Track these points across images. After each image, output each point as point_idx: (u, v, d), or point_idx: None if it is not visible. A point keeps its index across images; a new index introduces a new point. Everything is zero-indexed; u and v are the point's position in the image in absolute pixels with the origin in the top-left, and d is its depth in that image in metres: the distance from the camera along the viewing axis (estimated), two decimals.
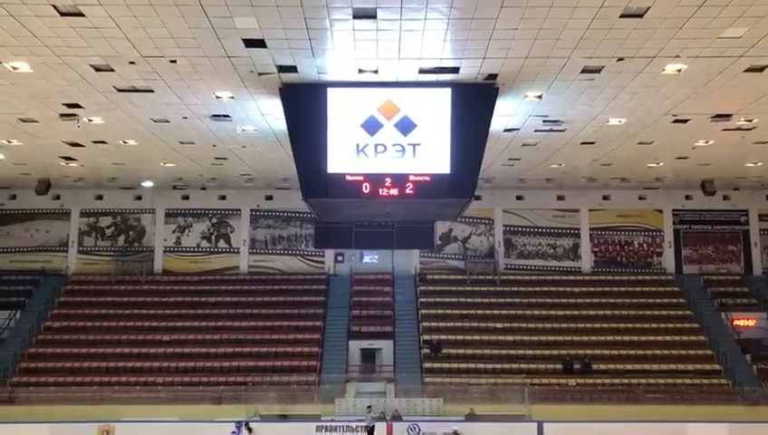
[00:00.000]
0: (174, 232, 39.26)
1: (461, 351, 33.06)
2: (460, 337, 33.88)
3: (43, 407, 28.83)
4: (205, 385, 31.10)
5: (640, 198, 38.11)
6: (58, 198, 37.82)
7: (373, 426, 26.15)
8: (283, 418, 28.29)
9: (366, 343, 34.52)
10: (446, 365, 32.33)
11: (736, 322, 34.33)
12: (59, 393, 30.03)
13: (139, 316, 35.21)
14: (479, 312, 35.20)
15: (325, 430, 27.49)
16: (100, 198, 38.96)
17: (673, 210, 38.41)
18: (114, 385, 30.77)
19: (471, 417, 28.51)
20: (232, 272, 38.97)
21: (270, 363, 32.24)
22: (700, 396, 29.41)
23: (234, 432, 22.30)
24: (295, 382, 31.44)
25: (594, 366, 31.70)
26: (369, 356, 34.37)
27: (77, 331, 34.49)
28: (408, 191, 16.84)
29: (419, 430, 27.54)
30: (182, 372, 31.92)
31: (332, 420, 28.30)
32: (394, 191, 17.03)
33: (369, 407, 27.30)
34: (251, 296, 36.59)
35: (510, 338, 33.48)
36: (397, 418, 28.55)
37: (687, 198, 37.88)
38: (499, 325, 34.24)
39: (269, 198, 38.90)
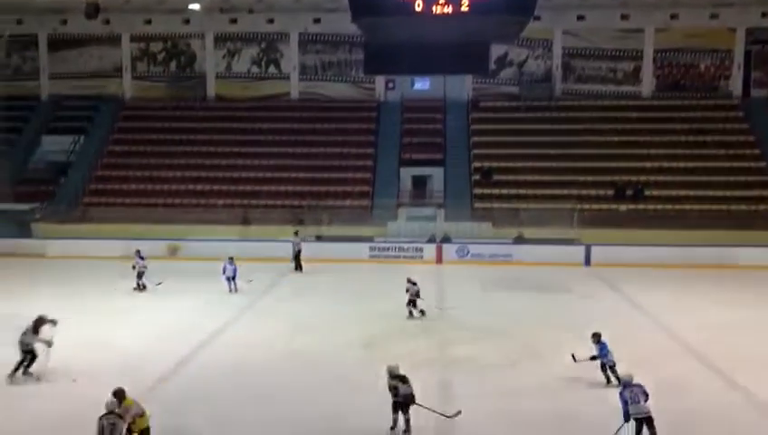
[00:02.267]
0: (224, 57, 39.06)
1: (512, 177, 33.15)
2: (511, 164, 33.81)
3: (114, 226, 30.74)
4: (262, 208, 32.36)
5: (712, 17, 35.60)
6: (108, 22, 37.46)
7: (299, 250, 26.23)
8: (337, 239, 29.54)
9: (417, 170, 34.87)
10: (496, 191, 32.63)
11: None
12: (128, 213, 31.78)
13: (196, 142, 36.08)
14: (532, 138, 34.72)
15: (378, 250, 28.77)
16: (149, 22, 38.61)
17: (747, 29, 35.90)
18: (177, 207, 32.27)
19: (519, 240, 29.24)
20: (283, 98, 39.01)
21: (323, 189, 33.11)
22: (754, 222, 29.13)
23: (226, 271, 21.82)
24: (348, 207, 32.42)
25: (647, 193, 31.51)
26: (419, 183, 34.86)
27: (138, 155, 35.75)
28: (463, 8, 15.92)
29: (468, 251, 28.50)
30: (240, 195, 33.14)
31: (385, 242, 29.50)
32: (448, 9, 16.13)
33: (295, 232, 27.28)
34: (302, 123, 36.83)
35: (563, 164, 33.23)
36: (446, 240, 29.50)
37: (764, 15, 35.18)
38: (552, 152, 33.85)
39: (317, 20, 37.81)
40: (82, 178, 35.07)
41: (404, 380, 11.13)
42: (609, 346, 13.40)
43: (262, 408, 12.26)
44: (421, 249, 28.70)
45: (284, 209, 31.94)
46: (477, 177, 33.66)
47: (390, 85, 38.98)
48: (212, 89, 39.23)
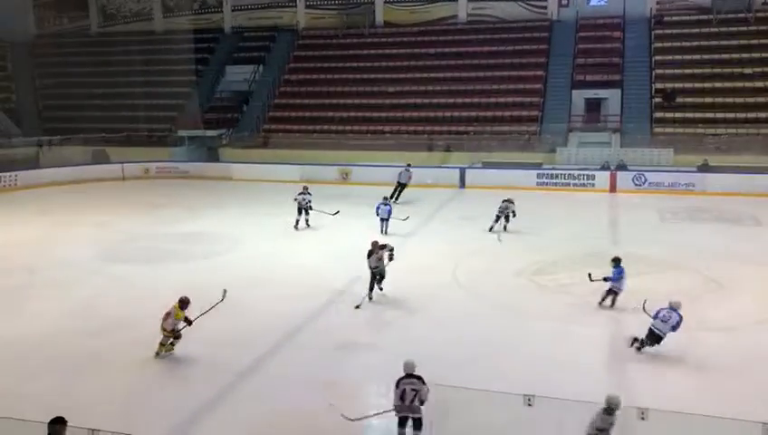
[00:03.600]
0: None
1: (698, 99, 30.47)
2: (698, 84, 31.04)
3: (291, 151, 32.62)
4: (429, 134, 32.61)
5: None
6: None
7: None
8: (504, 166, 29.13)
9: (591, 93, 33.13)
10: (679, 115, 30.26)
11: None
12: (304, 139, 33.50)
13: (365, 69, 36.81)
14: (724, 56, 31.48)
15: (546, 178, 28.02)
16: None
17: None
18: (348, 133, 33.43)
19: (704, 168, 27.07)
20: (450, 22, 38.38)
21: (491, 114, 32.58)
22: None
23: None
24: (517, 132, 31.72)
25: None
26: (593, 106, 33.14)
27: (312, 83, 37.27)
28: None
29: (645, 179, 26.93)
30: (407, 121, 33.59)
31: (554, 169, 28.63)
32: None
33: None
34: (470, 47, 36.13)
35: (759, 84, 29.92)
36: (621, 167, 28.05)
37: None
38: (747, 70, 30.54)
39: None
40: (262, 106, 37.31)
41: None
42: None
43: (430, 329, 12.71)
44: (593, 177, 27.54)
45: (451, 135, 31.96)
46: (658, 99, 31.30)
47: (564, 2, 36.89)
48: (380, 15, 39.49)
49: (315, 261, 17.30)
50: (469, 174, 28.69)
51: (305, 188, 21.17)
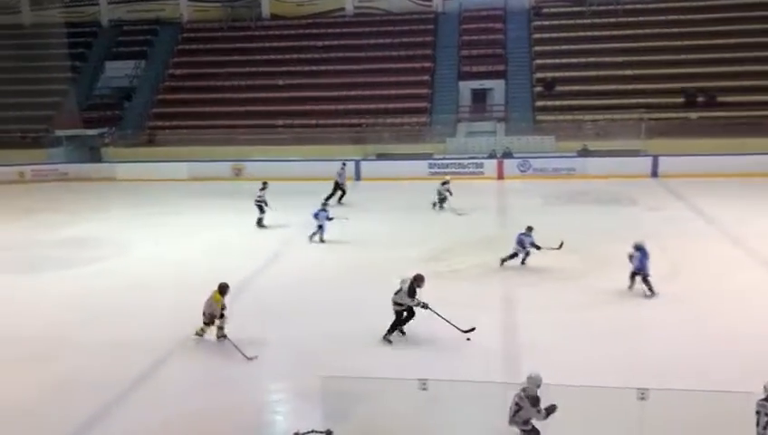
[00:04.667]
0: None
1: (576, 88, 32.06)
2: (575, 73, 32.63)
3: (179, 148, 31.53)
4: (321, 127, 32.49)
5: None
6: None
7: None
8: (396, 157, 29.51)
9: (476, 84, 34.09)
10: (558, 103, 31.71)
11: None
12: (192, 136, 32.45)
13: (254, 62, 36.10)
14: (597, 46, 33.29)
15: (438, 167, 28.61)
16: None
17: None
18: (238, 128, 32.72)
19: (583, 153, 28.57)
20: (338, 14, 38.35)
21: (381, 106, 32.84)
22: None
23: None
24: (407, 123, 32.17)
25: (719, 99, 30.00)
26: (479, 96, 34.15)
27: (198, 78, 36.14)
28: None
29: (530, 165, 28.08)
30: (299, 115, 33.29)
31: (444, 158, 29.30)
32: None
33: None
34: (358, 39, 36.26)
35: (628, 72, 31.87)
36: (507, 155, 29.09)
37: None
38: (618, 59, 32.43)
39: None
40: (146, 102, 35.84)
41: None
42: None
43: (328, 319, 12.70)
44: (482, 165, 28.41)
45: (343, 128, 31.97)
46: (539, 89, 32.70)
47: None
48: (267, 8, 38.89)
49: (206, 261, 16.86)
50: (364, 166, 28.89)
51: (264, 184, 20.56)
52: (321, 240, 18.25)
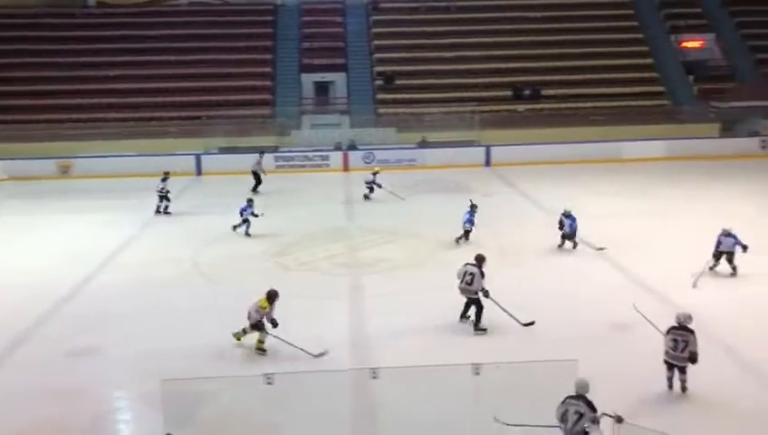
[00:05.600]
0: None
1: (414, 81, 33.12)
2: (413, 67, 33.68)
3: None
4: (157, 120, 30.94)
5: None
6: None
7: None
8: (240, 151, 28.82)
9: (318, 76, 34.17)
10: (399, 96, 32.58)
11: (684, 43, 34.64)
12: (13, 132, 29.51)
13: (80, 52, 33.55)
14: (433, 41, 34.59)
15: (283, 160, 28.43)
16: None
17: None
18: (66, 122, 30.33)
19: (423, 144, 29.65)
20: (172, 3, 36.73)
21: (222, 98, 31.92)
22: (642, 118, 30.66)
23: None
24: (250, 116, 31.50)
25: (543, 92, 32.37)
26: (322, 89, 34.28)
27: (13, 68, 32.93)
28: None
29: (374, 157, 28.66)
30: (133, 108, 31.48)
31: (289, 151, 29.13)
32: None
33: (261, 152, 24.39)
34: (195, 29, 34.97)
35: (462, 67, 33.44)
36: (352, 147, 29.49)
37: None
38: (451, 54, 33.92)
39: None
40: None
41: None
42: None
43: (170, 321, 12.19)
44: (327, 157, 28.60)
45: (181, 121, 30.67)
46: (380, 82, 33.43)
47: None
48: None
49: (40, 264, 15.57)
50: (205, 160, 27.98)
51: (166, 174, 20.35)
52: (247, 234, 17.79)
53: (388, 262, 15.52)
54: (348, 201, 22.68)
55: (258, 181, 23.91)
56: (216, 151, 29.08)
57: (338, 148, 29.45)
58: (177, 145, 28.58)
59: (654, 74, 33.51)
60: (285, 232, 18.25)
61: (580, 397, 7.12)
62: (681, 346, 8.81)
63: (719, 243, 13.69)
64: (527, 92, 32.33)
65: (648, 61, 34.09)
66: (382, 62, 34.24)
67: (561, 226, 15.75)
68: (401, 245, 16.88)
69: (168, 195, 20.47)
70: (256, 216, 17.93)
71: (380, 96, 32.88)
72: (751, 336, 10.85)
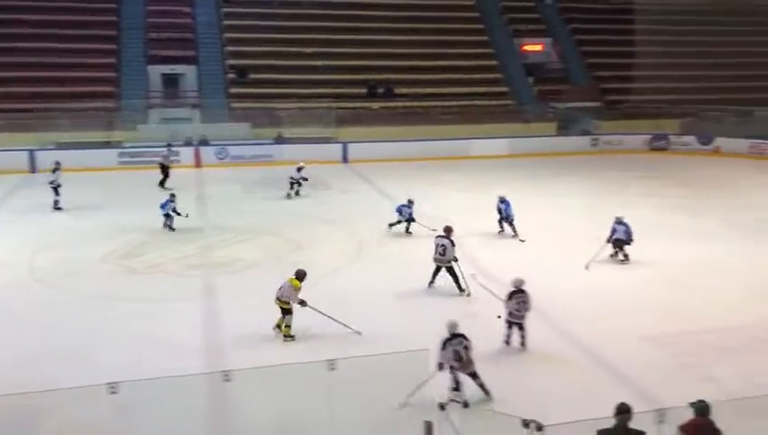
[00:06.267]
0: None
1: (269, 76, 32.61)
2: (268, 62, 33.15)
3: None
4: None
5: None
6: None
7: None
8: (81, 146, 26.95)
9: (167, 68, 32.69)
10: (253, 90, 31.94)
11: (525, 47, 36.88)
12: None
13: None
14: (287, 36, 34.22)
15: (129, 156, 26.95)
16: None
17: None
18: None
19: (279, 140, 29.30)
20: None
21: (61, 89, 29.62)
22: (488, 117, 32.27)
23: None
24: (92, 109, 29.46)
25: (396, 90, 33.12)
26: (171, 82, 32.83)
27: None
28: None
29: (228, 153, 27.95)
30: None
31: (135, 147, 27.63)
32: None
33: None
34: (28, 14, 32.15)
35: (318, 63, 33.42)
36: (204, 142, 28.55)
37: None
38: (307, 50, 33.77)
39: None
40: None
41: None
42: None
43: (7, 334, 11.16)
44: (178, 153, 27.35)
45: (10, 114, 28.10)
46: (233, 75, 32.59)
47: None
48: None
49: None
50: (41, 157, 25.87)
51: (57, 164, 19.65)
52: (171, 228, 17.31)
53: (242, 261, 15.18)
54: (201, 199, 21.91)
55: (166, 175, 23.07)
56: (52, 147, 26.94)
57: (189, 143, 28.36)
58: (8, 140, 26.18)
59: (498, 75, 35.39)
60: (132, 232, 17.29)
61: (456, 335, 8.52)
62: (523, 307, 10.37)
63: (614, 231, 14.63)
64: (381, 90, 32.94)
65: (493, 63, 35.93)
66: (235, 55, 33.41)
67: (500, 213, 16.92)
68: (256, 243, 16.56)
69: (59, 188, 19.43)
70: (178, 214, 17.36)
71: (233, 90, 32.09)
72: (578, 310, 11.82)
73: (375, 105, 32.44)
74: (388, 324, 11.22)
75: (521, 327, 10.48)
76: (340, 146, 29.14)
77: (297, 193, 21.87)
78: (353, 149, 28.88)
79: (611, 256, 14.83)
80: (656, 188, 23.47)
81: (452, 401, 7.97)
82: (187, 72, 32.80)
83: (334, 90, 32.07)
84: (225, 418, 8.01)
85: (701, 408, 6.39)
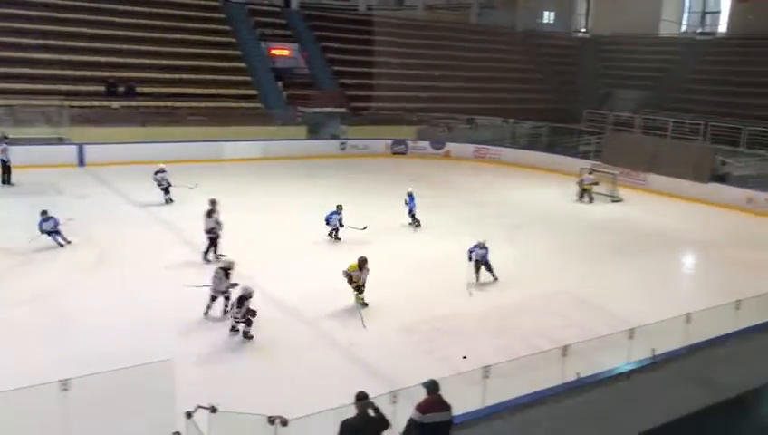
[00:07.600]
0: None
1: None
2: None
3: None
4: None
5: None
6: None
7: None
8: None
9: None
10: None
11: (273, 51, 37.19)
12: None
13: None
14: (15, 25, 30.40)
15: None
16: None
17: None
18: None
19: (2, 140, 25.91)
20: None
21: None
22: (239, 118, 31.95)
23: None
24: None
25: (138, 90, 31.27)
26: None
27: None
28: None
29: None
30: None
31: None
32: None
33: None
34: None
35: (47, 57, 30.22)
36: None
37: None
38: (32, 42, 30.36)
39: None
40: None
41: None
42: None
43: None
44: None
45: None
46: None
47: None
48: None
49: None
50: None
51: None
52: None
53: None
54: None
55: (7, 171, 22.01)
56: None
57: None
58: None
59: (247, 78, 35.19)
60: None
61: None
62: (220, 282, 12.00)
63: (474, 253, 14.36)
64: (121, 89, 30.88)
65: (242, 65, 35.59)
66: None
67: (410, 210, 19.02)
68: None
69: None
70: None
71: None
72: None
73: (115, 104, 30.29)
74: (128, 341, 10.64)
75: (227, 298, 11.99)
76: (75, 148, 26.74)
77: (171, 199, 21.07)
78: (91, 151, 26.70)
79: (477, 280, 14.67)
80: (400, 188, 25.18)
81: (199, 407, 7.76)
82: None
83: (68, 86, 29.25)
84: None
85: (429, 385, 7.09)
